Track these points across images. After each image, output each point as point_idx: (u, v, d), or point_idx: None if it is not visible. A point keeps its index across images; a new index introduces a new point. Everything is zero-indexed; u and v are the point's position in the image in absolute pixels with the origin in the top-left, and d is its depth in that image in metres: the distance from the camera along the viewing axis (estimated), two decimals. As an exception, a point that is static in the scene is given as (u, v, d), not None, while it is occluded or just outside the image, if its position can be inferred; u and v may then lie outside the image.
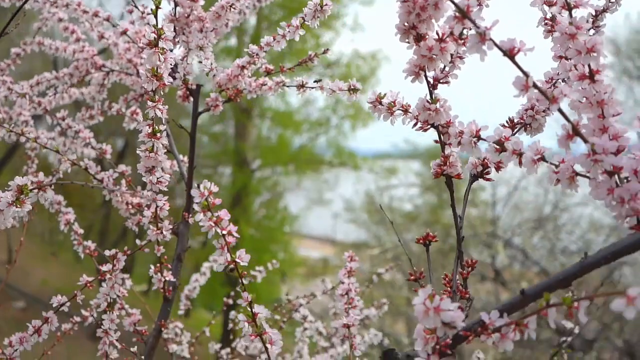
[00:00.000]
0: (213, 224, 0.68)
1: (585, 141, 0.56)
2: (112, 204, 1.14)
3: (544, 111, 0.75)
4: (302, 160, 11.72)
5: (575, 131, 0.57)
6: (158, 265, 1.05)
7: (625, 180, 0.58)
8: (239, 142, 11.38)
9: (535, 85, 0.56)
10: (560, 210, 7.05)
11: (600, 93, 0.59)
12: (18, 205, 0.73)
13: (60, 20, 1.27)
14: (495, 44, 0.56)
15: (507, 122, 0.77)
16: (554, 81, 0.78)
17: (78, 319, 1.21)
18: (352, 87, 0.93)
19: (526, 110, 0.76)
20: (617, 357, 6.01)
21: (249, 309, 0.71)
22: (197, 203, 0.68)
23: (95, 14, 1.16)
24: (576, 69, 0.61)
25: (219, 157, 11.76)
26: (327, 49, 1.12)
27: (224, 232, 0.68)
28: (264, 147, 11.81)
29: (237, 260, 0.70)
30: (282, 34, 0.97)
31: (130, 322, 1.09)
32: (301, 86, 1.03)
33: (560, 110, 0.57)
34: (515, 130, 0.77)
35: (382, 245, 8.80)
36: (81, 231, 1.18)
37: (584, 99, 0.60)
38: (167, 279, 1.06)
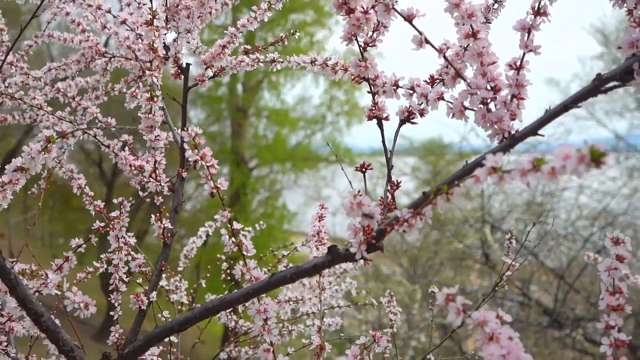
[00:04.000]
0: (199, 158, 0.89)
1: (465, 80, 0.77)
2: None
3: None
4: (298, 158, 11.91)
5: (457, 74, 0.77)
6: (158, 214, 1.25)
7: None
8: (236, 142, 11.56)
9: (427, 41, 0.76)
10: (552, 196, 7.29)
11: (479, 47, 0.80)
12: (46, 152, 0.93)
13: (67, 14, 1.48)
14: (397, 12, 0.76)
15: (428, 78, 0.98)
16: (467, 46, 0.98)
17: (91, 269, 1.42)
18: (313, 60, 1.13)
19: (443, 68, 0.97)
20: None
21: (228, 226, 0.92)
22: (185, 142, 0.88)
23: (98, 7, 1.37)
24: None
25: (217, 156, 11.78)
26: (296, 30, 1.33)
27: (208, 164, 0.89)
28: (260, 146, 11.98)
29: (218, 185, 0.90)
30: (254, 16, 1.19)
31: (135, 264, 1.29)
32: (272, 61, 1.24)
33: (445, 58, 0.77)
34: (435, 84, 0.97)
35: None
36: (91, 193, 1.39)
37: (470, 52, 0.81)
38: (165, 226, 1.26)
